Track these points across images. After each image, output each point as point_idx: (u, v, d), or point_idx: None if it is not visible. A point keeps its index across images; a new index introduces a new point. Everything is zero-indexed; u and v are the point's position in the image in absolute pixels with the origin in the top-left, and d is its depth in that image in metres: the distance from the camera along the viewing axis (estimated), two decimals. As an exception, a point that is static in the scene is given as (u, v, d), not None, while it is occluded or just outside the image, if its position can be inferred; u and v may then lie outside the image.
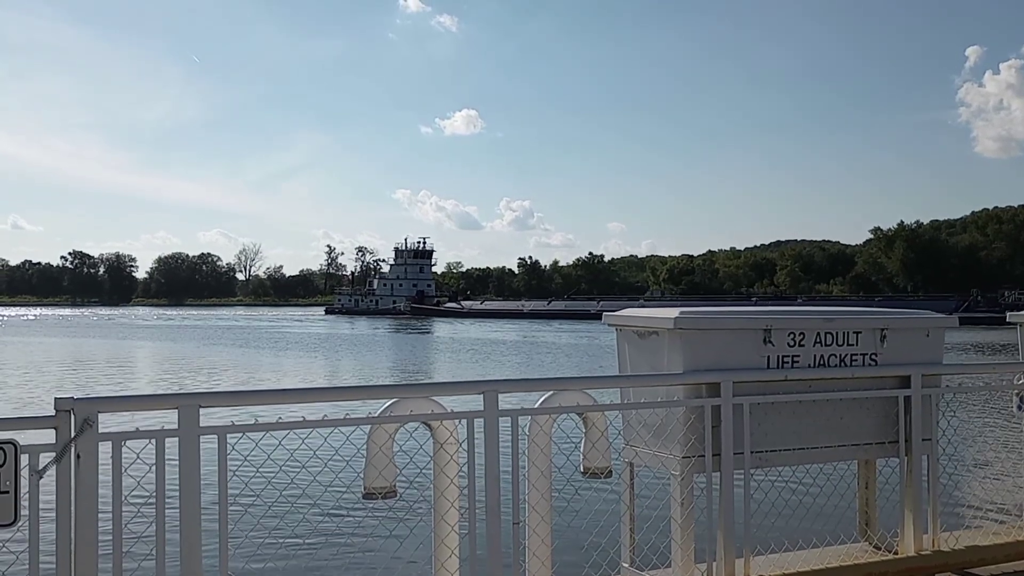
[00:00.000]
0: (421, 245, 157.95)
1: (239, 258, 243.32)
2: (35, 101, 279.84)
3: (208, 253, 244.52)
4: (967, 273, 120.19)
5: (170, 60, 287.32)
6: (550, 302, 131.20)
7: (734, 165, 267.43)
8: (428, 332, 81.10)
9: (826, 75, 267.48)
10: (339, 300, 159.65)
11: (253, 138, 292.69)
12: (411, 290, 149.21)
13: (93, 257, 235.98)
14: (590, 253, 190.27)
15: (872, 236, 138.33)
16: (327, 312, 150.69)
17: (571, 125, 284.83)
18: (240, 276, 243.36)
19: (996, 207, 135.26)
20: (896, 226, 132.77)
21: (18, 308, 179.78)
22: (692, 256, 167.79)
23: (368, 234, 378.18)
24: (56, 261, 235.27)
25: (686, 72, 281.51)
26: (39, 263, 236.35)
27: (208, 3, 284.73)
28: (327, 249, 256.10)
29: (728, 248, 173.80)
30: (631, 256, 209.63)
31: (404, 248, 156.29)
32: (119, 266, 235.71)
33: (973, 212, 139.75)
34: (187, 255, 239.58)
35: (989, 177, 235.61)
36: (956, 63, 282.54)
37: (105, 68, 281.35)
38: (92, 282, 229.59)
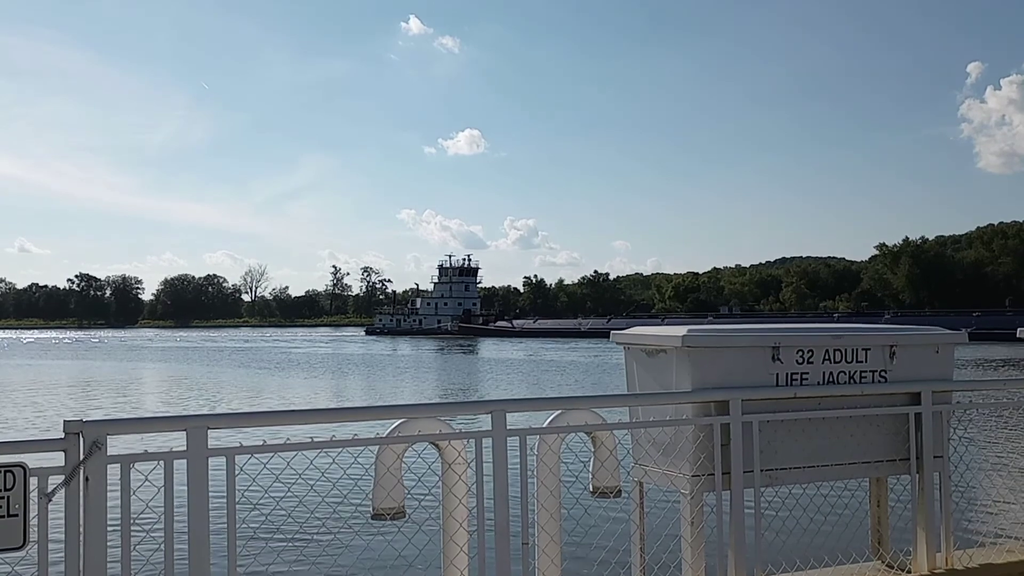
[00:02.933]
0: (466, 262, 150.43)
1: (245, 279, 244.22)
2: (42, 125, 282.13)
3: (214, 275, 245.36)
4: (973, 288, 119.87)
5: (175, 83, 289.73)
6: (609, 319, 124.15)
7: (738, 183, 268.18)
8: (476, 353, 77.91)
9: (828, 93, 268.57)
10: (380, 320, 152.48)
11: (258, 160, 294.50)
12: (456, 309, 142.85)
13: (100, 279, 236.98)
14: (595, 271, 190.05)
15: (877, 252, 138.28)
16: (367, 332, 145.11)
17: (574, 144, 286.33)
18: (246, 297, 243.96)
19: (1001, 222, 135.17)
20: (901, 242, 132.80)
21: (25, 331, 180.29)
22: (697, 273, 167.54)
23: (374, 254, 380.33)
24: (63, 284, 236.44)
25: (688, 91, 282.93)
26: (46, 286, 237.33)
27: (212, 27, 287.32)
28: (332, 270, 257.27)
29: (733, 265, 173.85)
30: (636, 274, 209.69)
31: (448, 266, 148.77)
32: (125, 288, 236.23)
33: (978, 227, 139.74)
34: (193, 277, 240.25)
35: (993, 193, 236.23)
36: (957, 79, 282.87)
37: (111, 92, 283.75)
38: (99, 304, 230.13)
